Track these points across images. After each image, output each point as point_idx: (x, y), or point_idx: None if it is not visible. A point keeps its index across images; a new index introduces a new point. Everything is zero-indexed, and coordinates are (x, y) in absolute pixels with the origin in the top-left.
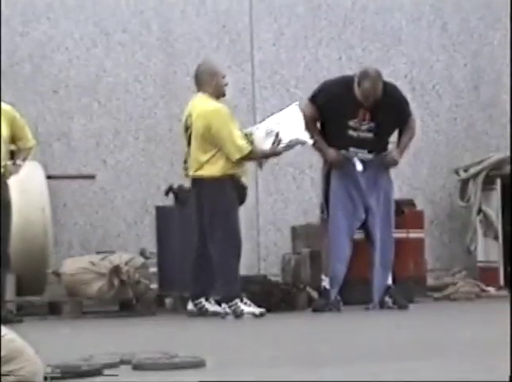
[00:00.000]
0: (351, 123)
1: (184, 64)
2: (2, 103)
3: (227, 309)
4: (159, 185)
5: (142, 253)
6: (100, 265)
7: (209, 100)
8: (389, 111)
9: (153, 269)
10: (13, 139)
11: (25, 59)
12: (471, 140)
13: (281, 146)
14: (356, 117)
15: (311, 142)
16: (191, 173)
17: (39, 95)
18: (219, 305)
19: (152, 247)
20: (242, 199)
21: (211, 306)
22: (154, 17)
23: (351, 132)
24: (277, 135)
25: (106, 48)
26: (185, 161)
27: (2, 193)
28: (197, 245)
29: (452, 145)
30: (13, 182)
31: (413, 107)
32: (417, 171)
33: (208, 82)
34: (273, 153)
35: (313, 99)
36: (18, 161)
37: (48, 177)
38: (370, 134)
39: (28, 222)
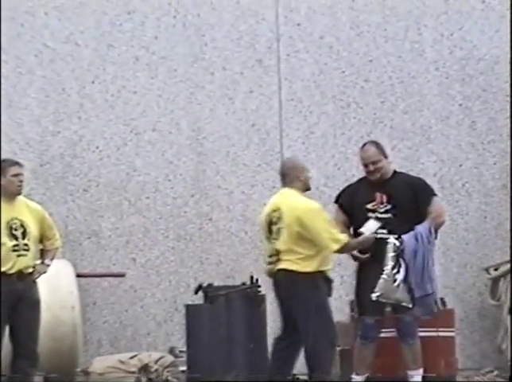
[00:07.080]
0: (369, 206)
1: (214, 163)
2: (32, 203)
3: None
4: (188, 284)
5: (172, 351)
6: (129, 363)
7: (298, 195)
8: (406, 193)
9: (183, 367)
10: (41, 239)
11: (56, 158)
12: (501, 238)
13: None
14: (374, 200)
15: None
16: (281, 266)
17: (69, 194)
18: None
19: (181, 345)
20: (329, 292)
21: None
22: (184, 116)
23: (370, 214)
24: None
25: (136, 147)
26: (270, 256)
27: (32, 292)
28: (279, 337)
29: (482, 243)
30: (42, 280)
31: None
32: (447, 269)
33: (298, 177)
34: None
35: (337, 201)
36: (47, 261)
37: (78, 276)
38: (388, 215)
39: (57, 320)
